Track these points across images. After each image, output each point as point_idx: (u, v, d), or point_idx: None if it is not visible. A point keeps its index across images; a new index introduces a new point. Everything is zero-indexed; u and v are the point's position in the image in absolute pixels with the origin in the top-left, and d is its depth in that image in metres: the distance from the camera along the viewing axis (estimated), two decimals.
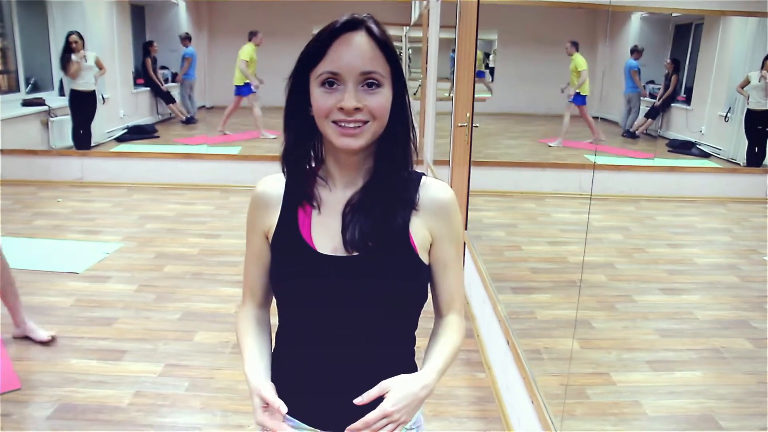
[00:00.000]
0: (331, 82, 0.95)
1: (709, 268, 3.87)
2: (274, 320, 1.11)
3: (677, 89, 6.06)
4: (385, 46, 0.96)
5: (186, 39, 8.23)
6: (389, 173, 1.02)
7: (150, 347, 3.00)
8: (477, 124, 3.58)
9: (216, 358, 2.92)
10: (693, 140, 5.49)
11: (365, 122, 0.96)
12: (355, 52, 0.94)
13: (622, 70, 6.31)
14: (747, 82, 4.58)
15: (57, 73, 6.94)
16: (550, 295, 3.56)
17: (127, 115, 7.81)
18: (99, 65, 6.50)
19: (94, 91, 6.56)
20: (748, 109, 4.59)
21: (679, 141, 5.70)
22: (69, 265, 3.99)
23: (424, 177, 1.07)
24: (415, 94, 7.82)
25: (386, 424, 0.91)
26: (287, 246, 1.04)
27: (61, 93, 6.85)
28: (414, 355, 1.11)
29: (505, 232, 4.71)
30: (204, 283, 3.81)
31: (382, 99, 0.96)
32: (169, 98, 8.39)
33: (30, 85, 6.74)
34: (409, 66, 10.96)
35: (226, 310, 3.43)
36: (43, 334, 2.98)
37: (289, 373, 1.06)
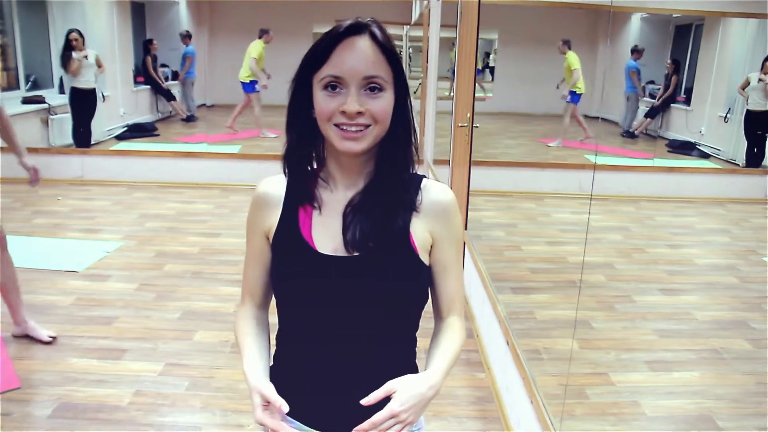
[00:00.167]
0: (334, 85, 0.96)
1: (708, 269, 3.88)
2: (274, 320, 1.11)
3: (677, 89, 6.07)
4: (388, 50, 0.97)
5: (186, 37, 8.23)
6: (390, 175, 1.03)
7: (150, 346, 3.00)
8: (477, 125, 3.58)
9: (216, 357, 2.92)
10: (693, 141, 5.50)
11: (367, 126, 0.97)
12: (358, 57, 0.95)
13: (623, 71, 6.32)
14: (747, 83, 4.59)
15: (57, 71, 6.94)
16: (549, 295, 3.57)
17: (127, 113, 7.82)
18: (98, 63, 6.50)
19: (94, 89, 6.57)
20: (748, 110, 4.61)
21: (678, 141, 5.71)
22: (69, 264, 3.99)
23: (424, 179, 1.08)
24: (415, 92, 7.82)
25: (394, 424, 0.91)
26: (288, 246, 1.05)
27: (61, 91, 6.85)
28: (415, 356, 1.11)
29: (505, 232, 4.71)
30: (204, 282, 3.82)
31: (384, 103, 0.97)
32: (169, 96, 8.39)
33: (30, 83, 6.73)
34: (409, 65, 10.97)
35: (226, 309, 3.43)
36: (43, 334, 2.98)
37: (290, 373, 1.07)
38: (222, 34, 8.80)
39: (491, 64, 7.81)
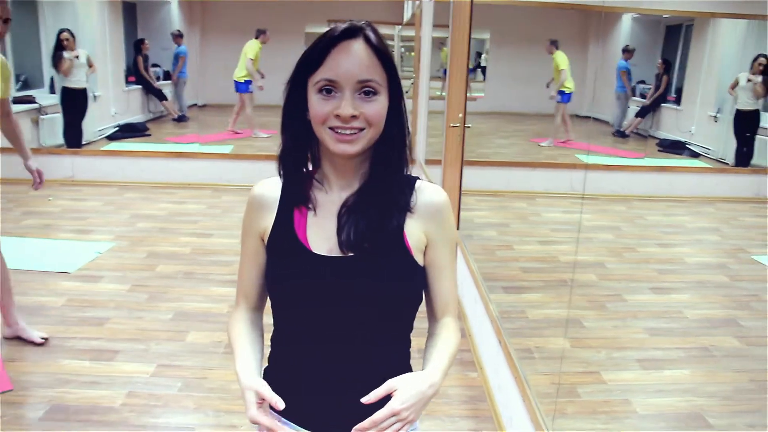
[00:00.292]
0: (329, 89, 0.96)
1: (698, 268, 3.91)
2: (269, 321, 1.12)
3: (668, 89, 6.10)
4: (382, 54, 0.98)
5: (178, 37, 8.19)
6: (385, 177, 1.04)
7: (142, 347, 2.99)
8: (469, 125, 3.60)
9: (208, 358, 2.92)
10: (683, 140, 5.53)
11: (361, 129, 0.97)
12: (352, 61, 0.95)
13: (614, 71, 6.35)
14: (737, 83, 4.63)
15: (48, 71, 6.89)
16: (541, 294, 3.59)
17: (119, 113, 7.77)
18: (89, 63, 6.47)
19: (85, 88, 6.54)
20: (737, 110, 4.64)
21: (669, 141, 5.74)
22: (60, 265, 3.97)
23: (418, 181, 1.09)
24: (407, 92, 7.81)
25: (394, 423, 0.91)
26: (283, 247, 1.05)
27: (52, 91, 6.81)
28: (409, 357, 1.12)
29: (497, 232, 4.73)
30: (196, 283, 3.81)
31: (378, 107, 0.98)
32: (161, 96, 8.36)
33: (20, 83, 6.69)
34: (401, 65, 10.96)
35: (218, 310, 3.43)
36: (35, 335, 2.97)
37: (285, 373, 1.07)
38: (214, 33, 8.76)
39: (483, 64, 7.82)
